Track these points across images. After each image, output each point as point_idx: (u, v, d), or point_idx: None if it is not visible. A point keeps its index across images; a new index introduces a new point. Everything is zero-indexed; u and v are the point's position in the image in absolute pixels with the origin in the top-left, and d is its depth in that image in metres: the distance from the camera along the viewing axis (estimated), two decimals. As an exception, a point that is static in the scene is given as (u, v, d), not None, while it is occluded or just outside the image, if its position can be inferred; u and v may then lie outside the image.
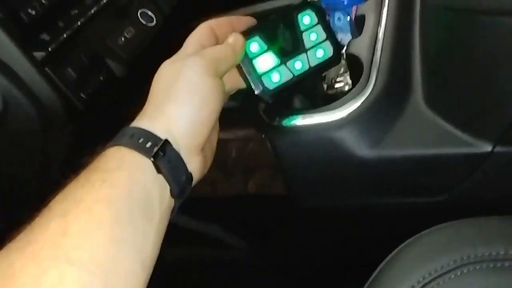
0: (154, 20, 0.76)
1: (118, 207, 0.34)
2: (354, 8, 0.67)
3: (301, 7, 0.51)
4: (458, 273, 0.40)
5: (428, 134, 0.52)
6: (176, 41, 0.48)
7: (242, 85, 0.50)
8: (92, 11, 0.66)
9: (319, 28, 0.52)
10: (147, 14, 0.76)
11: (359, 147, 0.53)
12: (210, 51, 0.44)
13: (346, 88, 0.60)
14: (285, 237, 0.77)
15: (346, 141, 0.53)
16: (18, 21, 0.57)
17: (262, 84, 0.49)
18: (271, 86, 0.50)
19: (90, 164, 0.37)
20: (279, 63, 0.50)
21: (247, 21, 0.50)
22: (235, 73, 0.49)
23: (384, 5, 0.64)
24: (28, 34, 0.58)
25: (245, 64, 0.49)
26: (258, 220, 0.78)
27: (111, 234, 0.33)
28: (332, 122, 0.53)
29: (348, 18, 0.67)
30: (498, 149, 0.49)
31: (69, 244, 0.31)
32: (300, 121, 0.55)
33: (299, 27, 0.51)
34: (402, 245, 0.45)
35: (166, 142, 0.38)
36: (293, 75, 0.51)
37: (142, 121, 0.40)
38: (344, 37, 0.66)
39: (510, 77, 0.43)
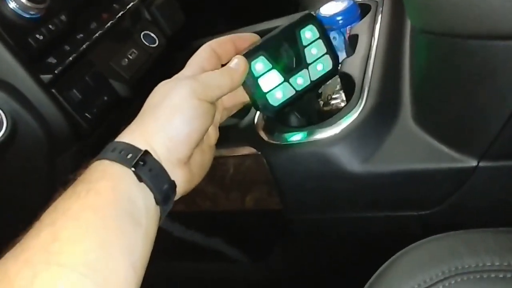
0: (157, 42, 0.77)
1: (104, 213, 0.36)
2: (348, 28, 0.69)
3: (302, 23, 0.51)
4: (447, 284, 0.40)
5: (416, 150, 0.52)
6: (177, 61, 0.49)
7: (246, 99, 0.51)
8: (97, 34, 0.67)
9: (320, 42, 0.52)
10: (150, 36, 0.76)
11: (351, 162, 0.53)
12: (204, 76, 0.44)
13: (342, 104, 0.61)
14: (282, 250, 0.77)
15: (338, 156, 0.53)
16: (26, 46, 0.58)
17: (267, 102, 0.50)
18: (275, 103, 0.51)
19: (77, 179, 0.39)
20: (283, 80, 0.50)
21: (249, 38, 0.50)
22: (239, 89, 0.48)
23: (376, 27, 0.65)
24: (35, 58, 0.59)
25: (250, 83, 0.49)
26: (257, 234, 0.79)
27: (99, 238, 0.34)
28: (324, 139, 0.54)
29: (343, 37, 0.69)
30: (483, 164, 0.49)
31: (59, 249, 0.33)
32: (295, 138, 0.56)
33: (302, 43, 0.51)
34: (392, 257, 0.45)
35: (146, 152, 0.39)
36: (296, 91, 0.51)
37: (125, 136, 0.41)
38: (339, 55, 0.67)
39: (490, 97, 0.43)
